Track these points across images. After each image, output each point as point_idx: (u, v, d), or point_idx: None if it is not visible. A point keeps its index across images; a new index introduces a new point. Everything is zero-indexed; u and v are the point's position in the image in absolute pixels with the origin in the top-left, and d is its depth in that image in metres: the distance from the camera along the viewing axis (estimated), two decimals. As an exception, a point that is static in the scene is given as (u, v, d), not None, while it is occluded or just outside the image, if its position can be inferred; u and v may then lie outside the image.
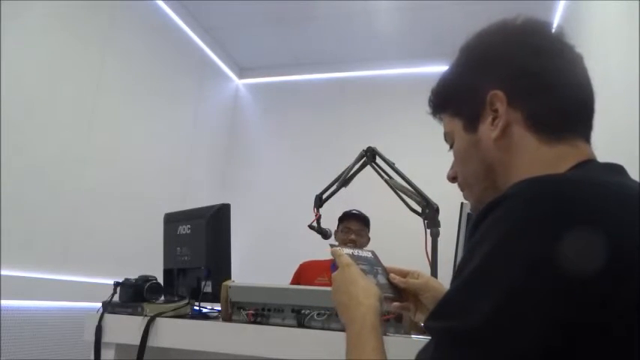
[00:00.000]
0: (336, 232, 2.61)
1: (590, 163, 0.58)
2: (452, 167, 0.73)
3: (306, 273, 2.58)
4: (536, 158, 0.60)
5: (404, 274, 0.95)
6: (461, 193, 0.74)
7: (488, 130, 0.63)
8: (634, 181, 0.54)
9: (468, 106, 0.66)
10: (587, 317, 0.40)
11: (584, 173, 0.55)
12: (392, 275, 0.93)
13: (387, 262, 0.97)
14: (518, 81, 0.61)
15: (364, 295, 0.76)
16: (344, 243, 2.51)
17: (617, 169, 0.56)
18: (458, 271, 0.48)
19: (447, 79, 0.71)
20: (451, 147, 0.71)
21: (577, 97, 0.61)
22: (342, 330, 1.19)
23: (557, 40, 0.63)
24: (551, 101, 0.60)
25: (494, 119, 0.62)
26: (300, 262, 2.68)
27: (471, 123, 0.65)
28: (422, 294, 0.92)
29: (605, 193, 0.47)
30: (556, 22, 3.04)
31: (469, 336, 0.43)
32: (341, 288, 0.79)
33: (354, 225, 2.55)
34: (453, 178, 0.74)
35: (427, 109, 0.74)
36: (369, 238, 2.61)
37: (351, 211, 2.58)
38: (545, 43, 0.62)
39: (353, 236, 2.51)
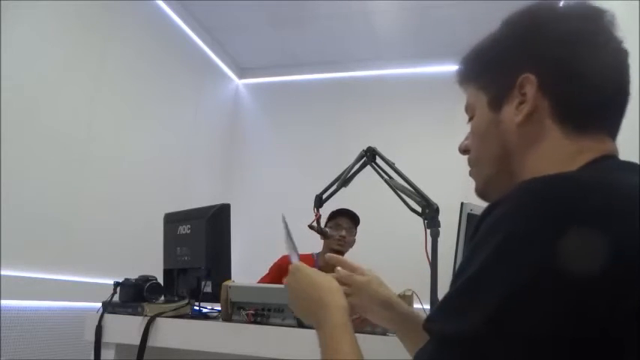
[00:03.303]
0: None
1: (608, 160, 0.56)
2: (466, 138, 0.70)
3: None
4: (556, 149, 0.58)
5: (353, 270, 0.90)
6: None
7: (512, 113, 0.61)
8: None
9: (497, 83, 0.63)
10: (588, 320, 0.40)
11: (594, 172, 0.53)
12: (337, 269, 0.90)
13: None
14: (553, 68, 0.58)
15: (328, 294, 0.73)
16: (333, 239, 2.54)
17: (632, 168, 0.54)
18: (459, 272, 0.47)
19: (481, 50, 0.67)
20: (470, 120, 0.69)
21: (611, 92, 0.59)
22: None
23: (604, 31, 0.59)
24: (583, 93, 0.58)
25: (520, 103, 0.60)
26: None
27: (497, 101, 0.63)
28: (363, 292, 0.88)
29: (612, 194, 0.46)
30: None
31: (470, 338, 0.43)
32: (299, 294, 0.76)
33: (345, 222, 2.57)
34: (464, 151, 0.71)
35: (455, 75, 0.71)
36: (354, 239, 2.63)
37: (343, 208, 2.60)
38: (591, 34, 0.59)
39: (343, 232, 2.53)
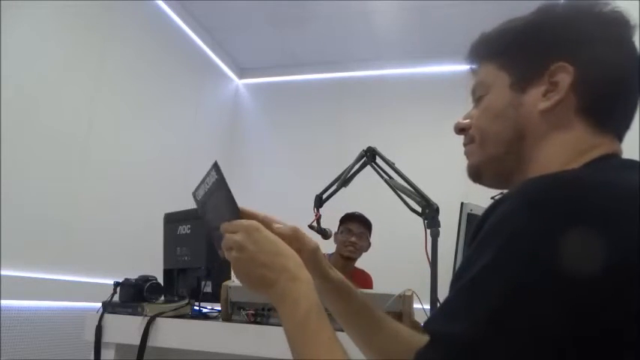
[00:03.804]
0: (336, 233, 2.55)
1: (611, 158, 0.57)
2: (465, 117, 0.68)
3: None
4: (575, 142, 0.58)
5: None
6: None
7: (536, 99, 0.59)
8: None
9: (527, 65, 0.61)
10: (590, 320, 0.40)
11: (597, 171, 0.53)
12: (277, 226, 0.74)
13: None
14: (589, 64, 0.58)
15: (292, 264, 0.64)
16: (344, 245, 2.46)
17: (633, 166, 0.54)
18: (461, 270, 0.47)
19: (511, 30, 0.65)
20: (477, 99, 0.67)
21: (631, 97, 0.60)
22: (344, 330, 1.19)
23: (630, 39, 0.60)
24: (610, 93, 0.58)
25: (548, 90, 0.59)
26: None
27: (522, 83, 0.61)
28: (308, 259, 0.72)
29: (615, 194, 0.45)
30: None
31: (472, 339, 0.42)
32: (257, 258, 0.65)
33: (356, 227, 2.49)
34: (461, 130, 0.68)
35: (472, 51, 0.68)
36: (369, 243, 2.55)
37: (353, 212, 2.53)
38: (623, 39, 0.60)
39: (354, 238, 2.46)
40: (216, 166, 0.77)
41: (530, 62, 0.61)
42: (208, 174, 0.79)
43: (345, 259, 2.47)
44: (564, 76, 0.58)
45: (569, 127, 0.58)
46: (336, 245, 2.53)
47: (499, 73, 0.64)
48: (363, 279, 2.57)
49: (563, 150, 0.58)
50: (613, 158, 0.57)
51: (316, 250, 0.76)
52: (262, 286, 0.65)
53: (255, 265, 0.65)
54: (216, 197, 0.76)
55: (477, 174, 0.67)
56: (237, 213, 0.72)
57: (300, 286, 0.62)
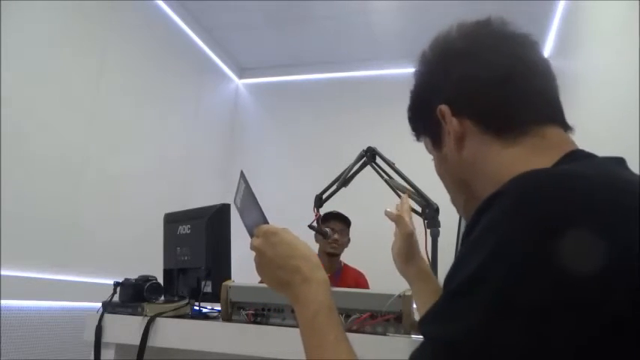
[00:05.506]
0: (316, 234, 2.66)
1: (581, 156, 0.55)
2: None
3: None
4: (503, 160, 0.59)
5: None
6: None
7: (449, 146, 0.63)
8: (635, 175, 0.51)
9: (428, 124, 0.67)
10: (586, 322, 0.39)
11: (578, 167, 0.52)
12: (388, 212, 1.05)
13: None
14: (455, 90, 0.62)
15: (308, 266, 0.68)
16: (327, 243, 2.61)
17: (616, 162, 0.53)
18: (454, 269, 0.47)
19: (410, 99, 0.73)
20: None
21: (526, 84, 0.60)
22: (347, 330, 1.19)
23: (493, 34, 0.63)
24: (494, 98, 0.60)
25: (449, 133, 0.62)
26: None
27: (436, 140, 0.66)
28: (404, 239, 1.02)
29: (615, 190, 0.44)
30: (555, 22, 3.04)
31: (465, 343, 0.42)
32: (273, 261, 0.70)
33: (337, 225, 2.64)
34: None
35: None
36: (349, 239, 2.73)
37: (332, 212, 2.65)
38: (476, 44, 0.63)
39: (336, 235, 2.59)
40: (242, 175, 0.85)
41: (427, 120, 0.66)
42: (239, 182, 0.86)
43: (330, 255, 2.65)
44: (447, 117, 0.62)
45: (487, 147, 0.60)
46: (318, 244, 2.69)
47: (427, 140, 0.71)
48: (356, 277, 2.64)
49: (501, 171, 0.58)
50: (586, 156, 0.56)
51: (410, 234, 1.02)
52: (280, 287, 0.71)
53: (272, 267, 0.71)
54: (247, 203, 0.83)
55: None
56: (262, 216, 0.79)
57: (311, 287, 0.66)
